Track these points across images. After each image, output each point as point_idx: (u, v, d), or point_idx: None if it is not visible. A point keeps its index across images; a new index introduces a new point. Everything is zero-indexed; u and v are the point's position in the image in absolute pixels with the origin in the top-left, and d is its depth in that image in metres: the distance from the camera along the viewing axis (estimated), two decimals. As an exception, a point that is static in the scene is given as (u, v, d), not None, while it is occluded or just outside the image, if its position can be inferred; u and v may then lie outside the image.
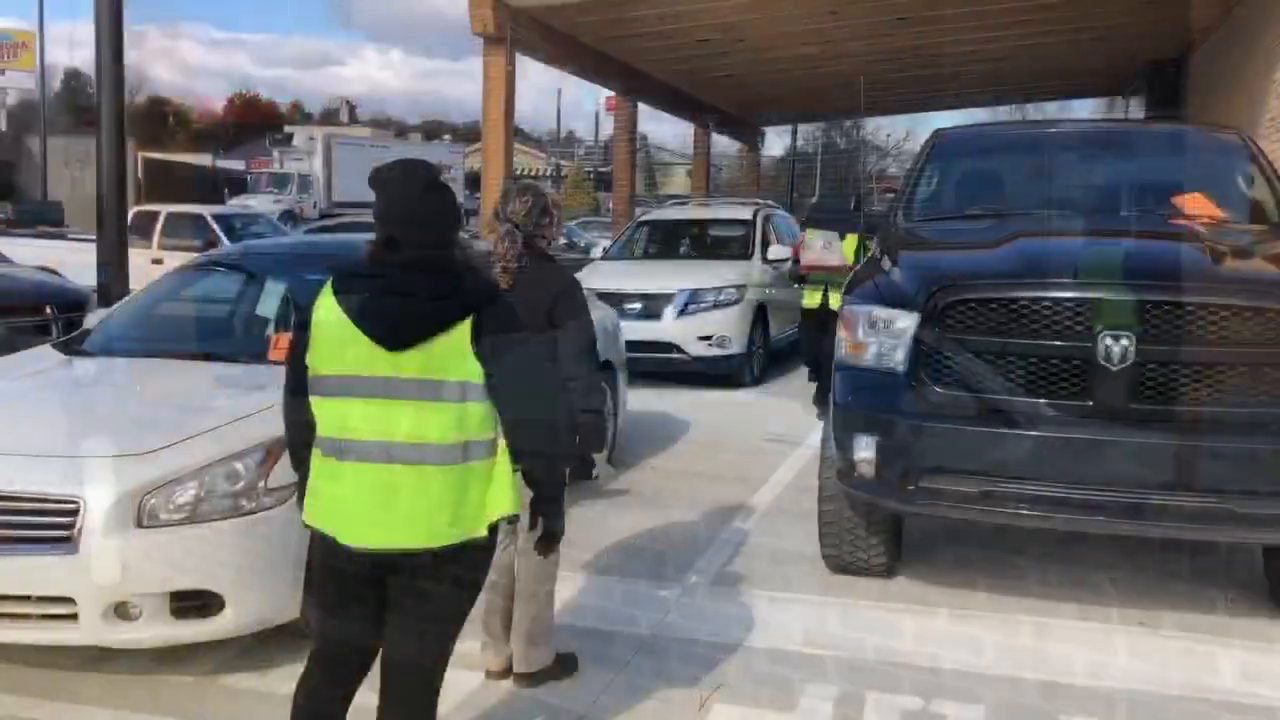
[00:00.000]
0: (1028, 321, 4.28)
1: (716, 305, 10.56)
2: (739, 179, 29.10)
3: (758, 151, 25.27)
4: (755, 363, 11.13)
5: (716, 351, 10.52)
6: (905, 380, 4.50)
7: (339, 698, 2.86)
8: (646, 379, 10.58)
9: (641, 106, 19.26)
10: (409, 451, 2.60)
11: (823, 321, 8.78)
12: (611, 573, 5.24)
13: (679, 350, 10.48)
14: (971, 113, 26.60)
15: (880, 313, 4.59)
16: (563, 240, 23.88)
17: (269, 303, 5.40)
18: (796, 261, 9.53)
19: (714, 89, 18.80)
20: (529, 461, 2.75)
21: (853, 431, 4.60)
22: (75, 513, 3.67)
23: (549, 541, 3.00)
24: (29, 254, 14.83)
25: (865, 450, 4.54)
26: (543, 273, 3.86)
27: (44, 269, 11.90)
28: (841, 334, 4.78)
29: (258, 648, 4.17)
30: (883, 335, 4.57)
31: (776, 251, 11.69)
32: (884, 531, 4.93)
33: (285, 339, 4.88)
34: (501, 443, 2.70)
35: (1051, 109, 32.00)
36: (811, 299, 9.36)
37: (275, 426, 4.03)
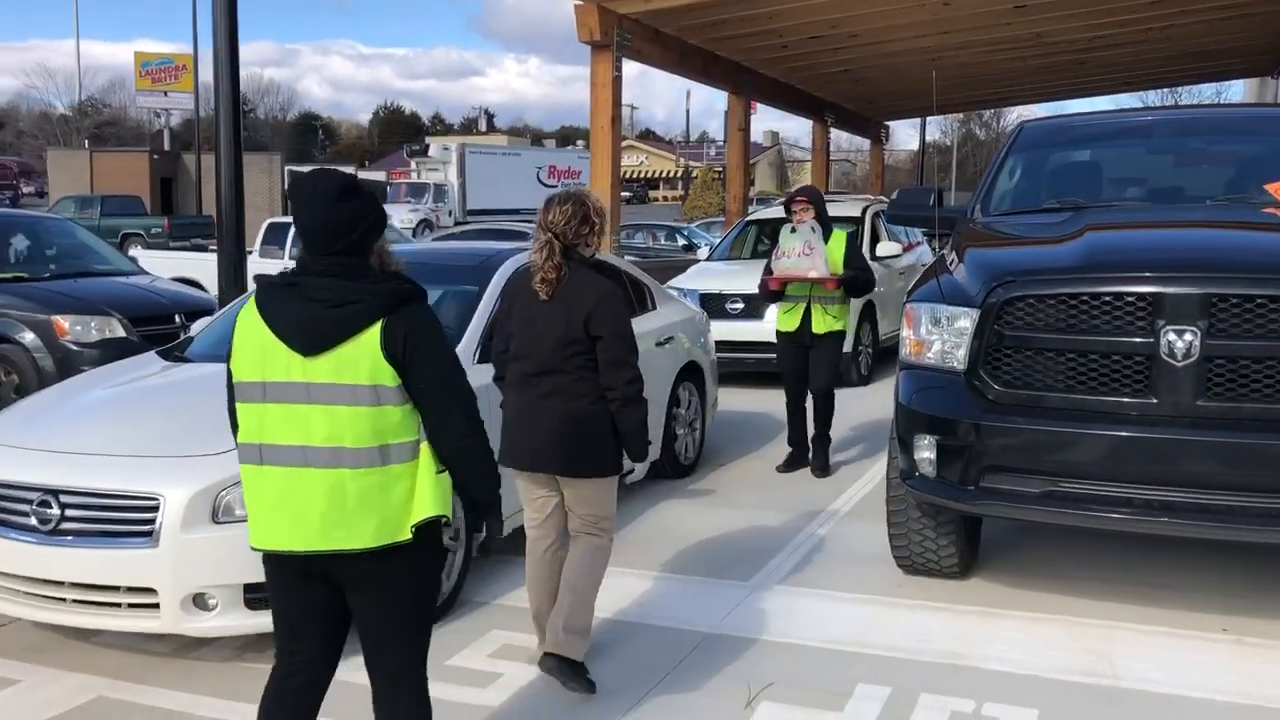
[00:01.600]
0: (1088, 317, 4.17)
1: (821, 304, 10.45)
2: (869, 175, 28.70)
3: (882, 146, 24.88)
4: (862, 362, 11.00)
5: (820, 351, 10.42)
6: (966, 379, 4.43)
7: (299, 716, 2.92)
8: (750, 380, 10.63)
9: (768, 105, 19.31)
10: (325, 456, 2.64)
11: (801, 351, 7.19)
12: (681, 570, 5.30)
13: (783, 350, 10.41)
14: (1118, 98, 25.64)
15: (941, 310, 4.54)
16: (681, 242, 24.00)
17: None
18: (769, 271, 7.13)
19: (829, 85, 18.60)
20: (451, 466, 2.76)
21: (914, 431, 4.56)
22: (156, 509, 3.95)
23: (484, 548, 3.12)
24: (179, 266, 15.82)
25: (926, 450, 4.50)
26: (582, 281, 3.86)
27: (183, 280, 12.66)
28: (904, 332, 4.73)
29: (331, 638, 4.38)
30: (943, 333, 4.52)
31: (886, 249, 11.56)
32: (954, 532, 4.86)
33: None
34: (425, 446, 2.72)
35: (1204, 93, 30.52)
36: (787, 320, 7.16)
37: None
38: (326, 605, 2.83)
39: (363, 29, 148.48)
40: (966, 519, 4.93)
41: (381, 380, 2.64)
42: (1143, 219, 5.00)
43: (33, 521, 4.05)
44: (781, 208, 15.16)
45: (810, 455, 7.26)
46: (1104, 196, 5.45)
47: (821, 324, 7.06)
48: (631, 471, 4.12)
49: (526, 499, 4.11)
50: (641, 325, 6.70)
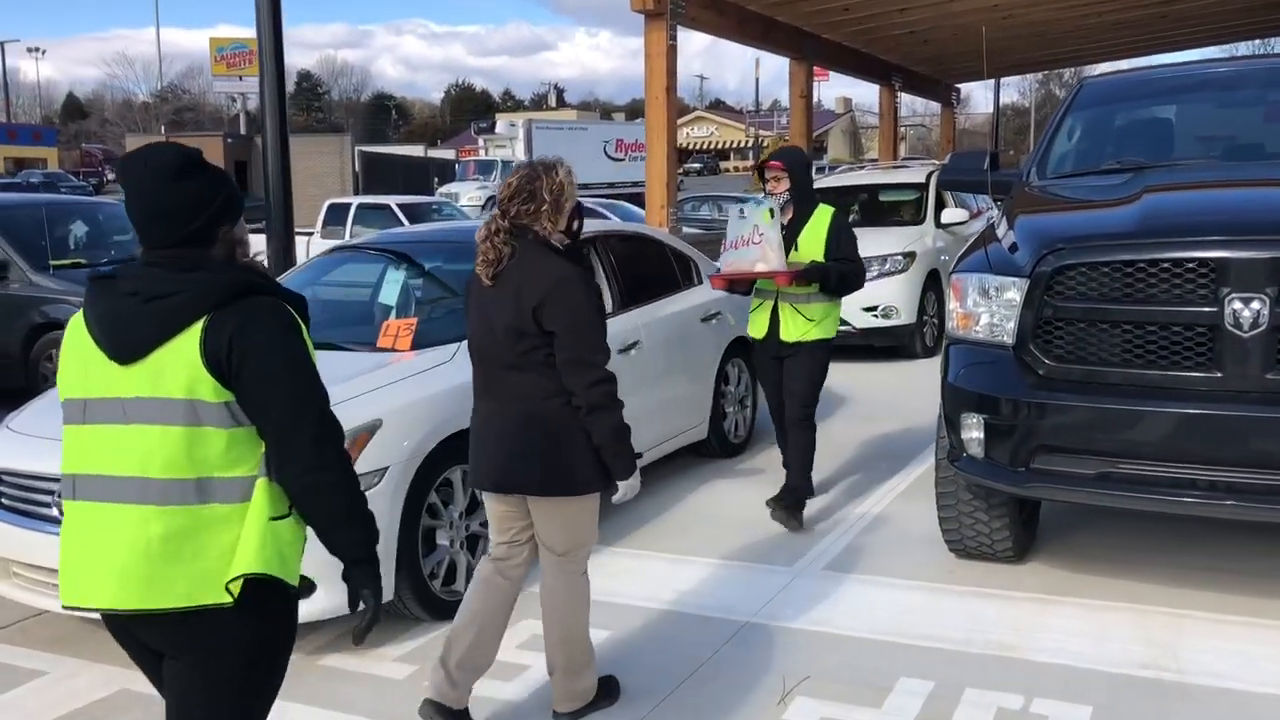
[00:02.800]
0: (1145, 286, 3.87)
1: (882, 274, 10.17)
2: (940, 140, 27.99)
3: (953, 110, 24.21)
4: (927, 333, 10.67)
5: (883, 323, 10.17)
6: (1015, 353, 4.17)
7: None
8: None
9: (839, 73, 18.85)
10: (129, 488, 2.13)
11: (777, 362, 5.59)
12: (722, 555, 5.13)
13: (843, 322, 10.10)
14: (1203, 53, 24.58)
15: (989, 281, 4.27)
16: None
17: (389, 290, 5.54)
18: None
19: (895, 48, 18.06)
20: (300, 509, 2.20)
21: (960, 409, 4.31)
22: (173, 500, 3.87)
23: (361, 630, 2.30)
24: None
25: (974, 429, 4.26)
26: (535, 265, 3.27)
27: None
28: (951, 305, 4.48)
29: (359, 629, 4.30)
30: (991, 305, 4.26)
31: (951, 215, 11.19)
32: (1007, 515, 4.61)
33: (396, 326, 5.02)
34: (263, 484, 2.17)
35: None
36: (754, 323, 5.63)
37: (361, 413, 4.21)
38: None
39: (435, 8, 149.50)
40: (1022, 500, 4.67)
41: (200, 394, 2.11)
42: (1207, 178, 4.66)
43: (56, 513, 4.02)
44: (849, 174, 14.91)
45: (779, 493, 5.58)
46: (1169, 155, 5.10)
47: (791, 329, 5.41)
48: (618, 491, 3.45)
49: (490, 517, 3.60)
50: (686, 300, 6.53)
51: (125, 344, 2.14)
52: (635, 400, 5.66)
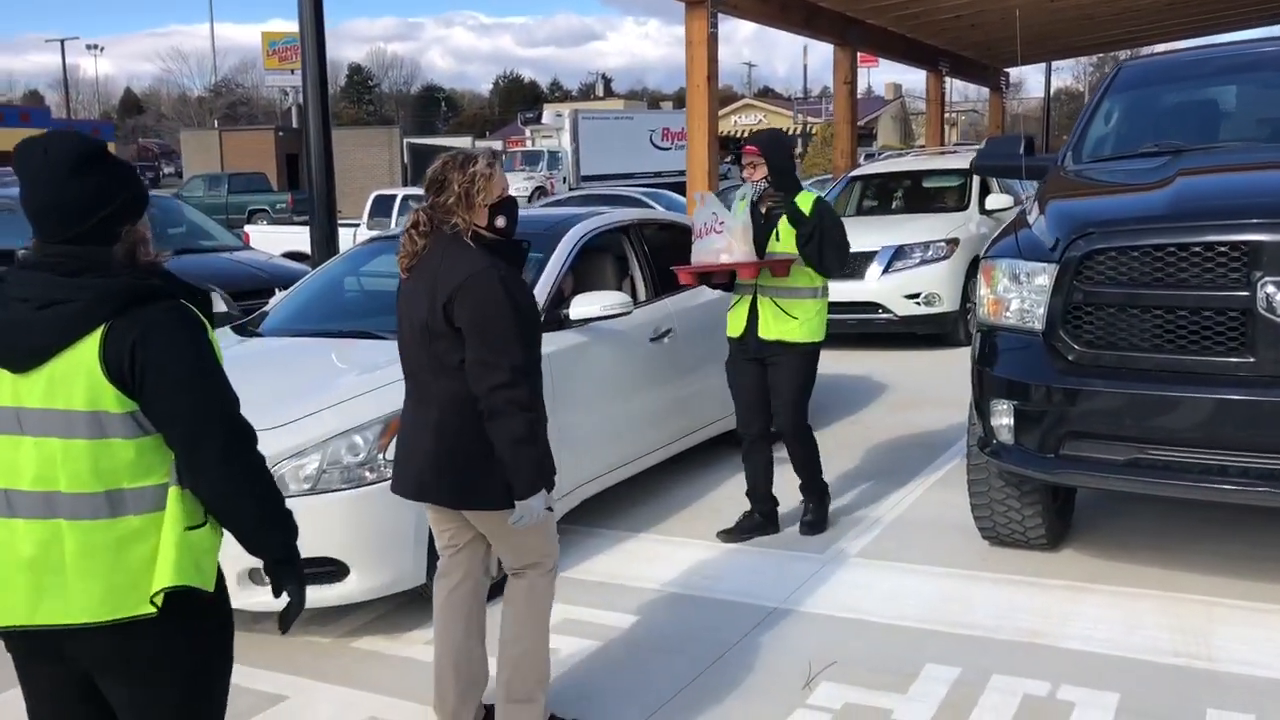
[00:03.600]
0: (1176, 270, 3.82)
1: (924, 261, 10.10)
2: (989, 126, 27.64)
3: (1003, 95, 23.88)
4: (970, 320, 10.57)
5: (925, 310, 10.09)
6: (1044, 339, 4.14)
7: None
8: (850, 342, 10.33)
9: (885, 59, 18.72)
10: (35, 503, 2.05)
11: (752, 365, 5.11)
12: (754, 543, 5.14)
13: (884, 310, 10.12)
14: (1269, 30, 23.99)
15: (1019, 266, 4.24)
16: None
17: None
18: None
19: (942, 32, 17.85)
20: (219, 518, 2.16)
21: (990, 396, 4.29)
22: (209, 484, 3.97)
23: (286, 620, 2.31)
24: (297, 241, 16.26)
25: (1003, 416, 4.23)
26: (446, 261, 3.07)
27: (294, 255, 12.98)
28: (981, 291, 4.45)
29: (393, 613, 4.39)
30: (1021, 291, 4.22)
31: (996, 201, 11.04)
32: (1039, 502, 4.58)
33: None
34: (175, 492, 2.10)
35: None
36: (732, 320, 5.13)
37: (392, 401, 4.27)
38: (84, 696, 2.20)
39: (484, 0, 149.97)
40: (1055, 487, 4.64)
41: (104, 405, 2.02)
42: (1244, 161, 4.58)
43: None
44: (893, 160, 14.77)
45: (803, 509, 5.30)
46: (1208, 138, 5.01)
47: (771, 326, 4.96)
48: (513, 513, 3.09)
49: (434, 529, 3.45)
50: (707, 291, 6.50)
51: (19, 352, 2.05)
52: (667, 390, 5.74)
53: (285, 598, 2.30)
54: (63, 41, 65.44)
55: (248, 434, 2.18)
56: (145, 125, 69.56)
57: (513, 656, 3.27)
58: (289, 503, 3.93)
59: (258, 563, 3.90)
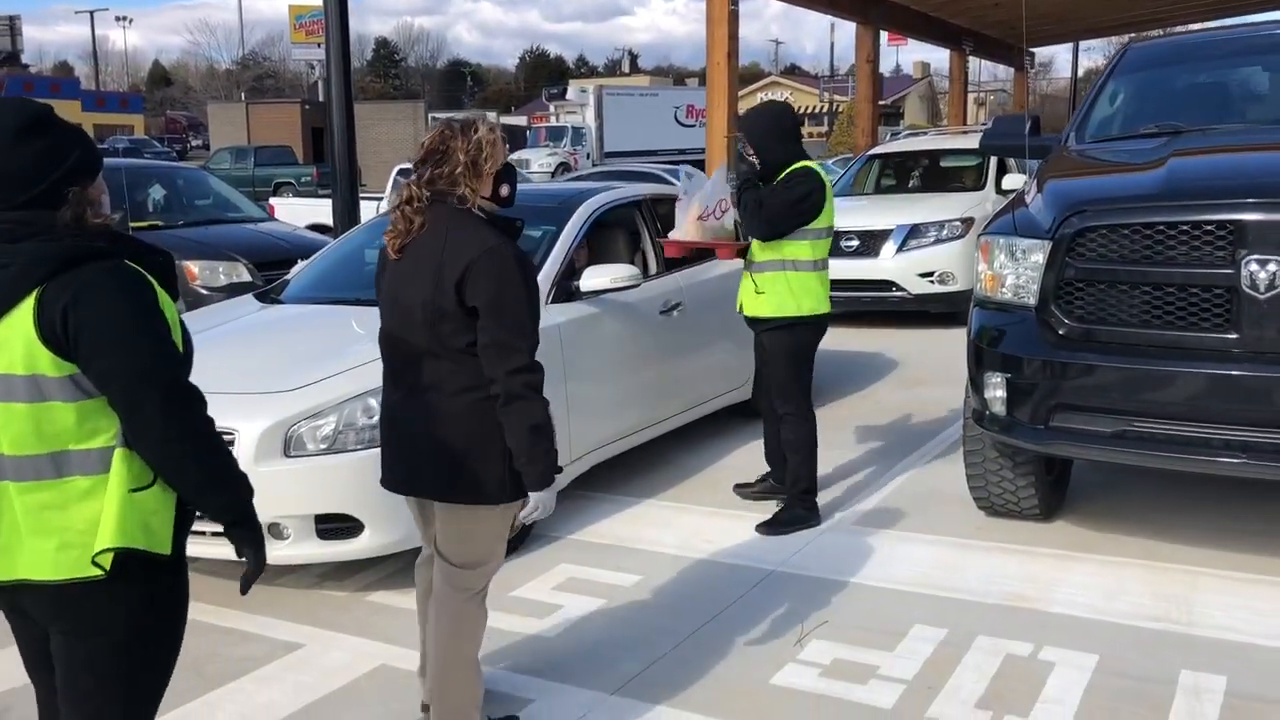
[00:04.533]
0: (1165, 248, 3.94)
1: (939, 240, 10.19)
2: (1013, 106, 27.52)
3: (1027, 75, 23.78)
4: (984, 299, 10.65)
5: (939, 288, 10.18)
6: (1037, 314, 4.26)
7: None
8: (867, 319, 10.45)
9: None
10: None
11: (755, 337, 5.20)
12: (756, 509, 5.28)
13: (898, 288, 10.23)
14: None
15: (1015, 243, 4.36)
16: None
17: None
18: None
19: (965, 11, 17.81)
20: (166, 479, 2.12)
21: (984, 369, 4.42)
22: (231, 443, 4.16)
23: (245, 580, 2.25)
24: (322, 213, 16.46)
25: (997, 389, 4.37)
26: (454, 236, 2.88)
27: (318, 227, 13.17)
28: (979, 267, 4.58)
29: (405, 570, 4.56)
30: (1017, 267, 4.35)
31: (1012, 181, 11.09)
32: (1033, 473, 4.71)
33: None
34: (121, 454, 2.08)
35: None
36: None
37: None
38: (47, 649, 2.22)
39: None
40: (1049, 459, 4.77)
41: (41, 369, 2.01)
42: (1239, 142, 4.67)
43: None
44: (912, 139, 14.80)
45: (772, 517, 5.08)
46: (1210, 120, 5.09)
47: (745, 301, 5.05)
48: (527, 504, 2.98)
49: (416, 521, 3.31)
50: (731, 263, 6.64)
51: None
52: (676, 362, 5.89)
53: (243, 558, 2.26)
54: (92, 14, 66.08)
55: (190, 394, 2.12)
56: (173, 98, 70.01)
57: (441, 680, 3.09)
58: (308, 461, 4.20)
59: (276, 516, 4.16)
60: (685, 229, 5.19)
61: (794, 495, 5.07)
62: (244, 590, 2.26)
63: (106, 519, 2.04)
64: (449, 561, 3.07)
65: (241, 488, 2.21)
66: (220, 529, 2.21)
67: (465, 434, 2.91)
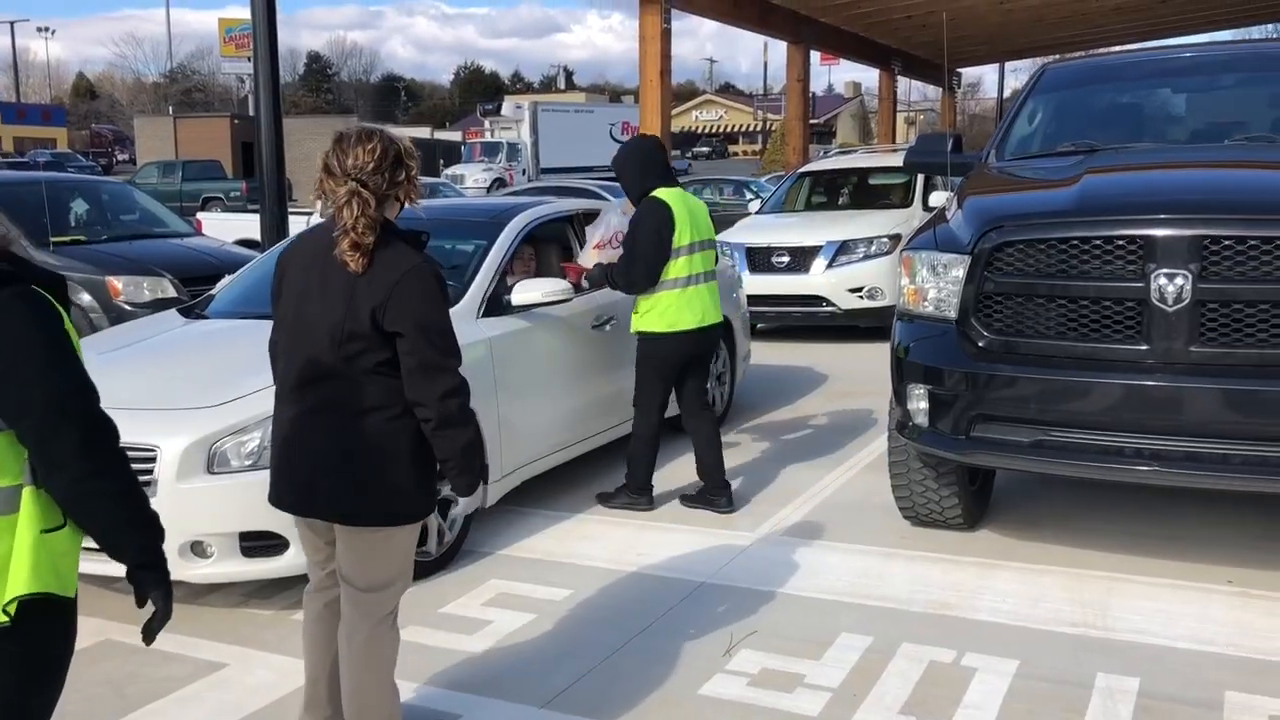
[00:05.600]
0: (1079, 262, 4.06)
1: (867, 256, 10.36)
2: (941, 125, 28.04)
3: (954, 95, 24.28)
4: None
5: (867, 303, 10.34)
6: (958, 327, 4.36)
7: None
8: (797, 335, 10.58)
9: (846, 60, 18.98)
10: None
11: (660, 362, 5.36)
12: (688, 522, 5.33)
13: (828, 303, 10.38)
14: (1210, 36, 24.51)
15: (936, 258, 4.46)
16: (749, 197, 23.80)
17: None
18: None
19: (895, 32, 18.19)
20: (77, 519, 2.01)
21: (907, 381, 4.51)
22: (153, 460, 4.10)
23: (150, 629, 2.11)
24: (250, 229, 16.24)
25: (919, 400, 4.45)
26: (381, 261, 2.76)
27: (246, 242, 12.99)
28: (901, 281, 4.67)
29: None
30: (938, 282, 4.44)
31: (939, 198, 11.31)
32: (955, 483, 4.81)
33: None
34: (30, 493, 1.96)
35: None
36: (646, 317, 5.31)
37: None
38: None
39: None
40: (971, 469, 4.87)
41: None
42: (1150, 160, 4.83)
43: (42, 472, 4.22)
44: (840, 157, 15.03)
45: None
46: (1123, 138, 5.26)
47: (661, 317, 5.32)
48: (456, 504, 3.07)
49: (305, 547, 3.14)
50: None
51: None
52: (609, 376, 5.91)
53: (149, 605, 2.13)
54: (13, 24, 64.55)
55: (108, 427, 2.02)
56: (99, 111, 68.66)
57: (356, 708, 2.98)
58: (232, 478, 4.14)
59: (199, 535, 4.09)
60: (586, 255, 5.70)
61: (627, 486, 5.51)
62: (148, 640, 2.11)
63: (20, 564, 1.91)
64: (355, 586, 2.94)
65: (154, 530, 2.10)
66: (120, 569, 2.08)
67: (371, 454, 2.80)
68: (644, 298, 5.29)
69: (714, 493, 5.47)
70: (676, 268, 5.24)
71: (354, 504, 2.84)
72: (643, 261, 5.20)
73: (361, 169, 2.77)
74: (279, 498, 2.99)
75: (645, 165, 5.33)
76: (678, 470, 6.10)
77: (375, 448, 2.81)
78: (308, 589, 3.20)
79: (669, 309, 5.26)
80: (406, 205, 2.93)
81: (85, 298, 8.47)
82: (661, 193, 5.26)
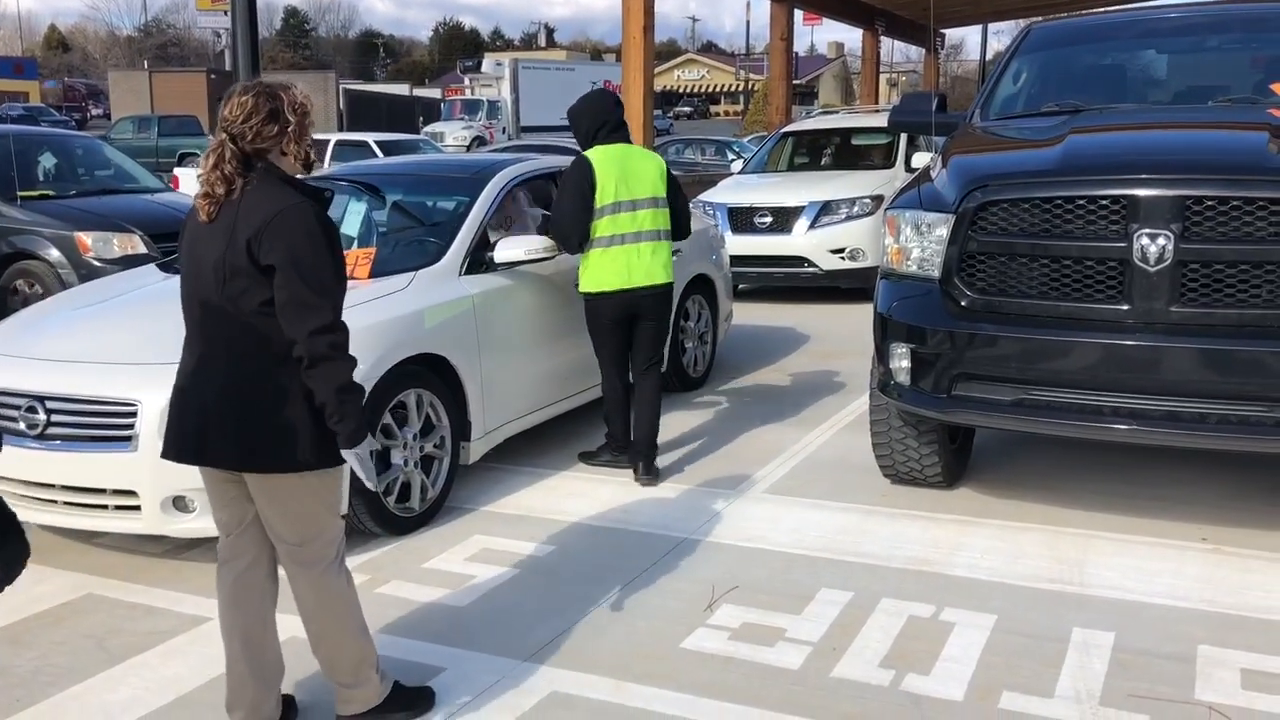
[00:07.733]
0: (1062, 222, 4.07)
1: (850, 217, 10.35)
2: (923, 86, 27.94)
3: (937, 56, 24.20)
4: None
5: (849, 264, 10.34)
6: (941, 287, 4.37)
7: None
8: (779, 295, 10.58)
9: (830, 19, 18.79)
10: None
11: (594, 323, 5.37)
12: (673, 481, 5.35)
13: (810, 264, 10.38)
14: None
15: (920, 217, 4.46)
16: (731, 157, 23.70)
17: (350, 221, 5.70)
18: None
19: (878, -10, 18.12)
20: None
21: (889, 340, 4.52)
22: (134, 414, 4.08)
23: None
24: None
25: (901, 359, 4.47)
26: (254, 196, 2.78)
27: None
28: (885, 240, 4.67)
29: (316, 541, 4.53)
30: (922, 241, 4.45)
31: (922, 159, 11.28)
32: (936, 442, 4.84)
33: (356, 255, 5.18)
34: None
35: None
36: (581, 277, 5.30)
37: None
38: None
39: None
40: (952, 428, 4.91)
41: None
42: (1130, 121, 4.84)
43: (22, 426, 4.21)
44: (823, 118, 14.97)
45: None
46: (1107, 99, 5.26)
47: (631, 272, 5.28)
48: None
49: (211, 502, 3.07)
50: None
51: None
52: (586, 338, 5.90)
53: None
54: (-17, -26, 63.16)
55: None
56: (72, 65, 67.56)
57: (323, 656, 3.06)
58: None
59: (181, 489, 4.09)
60: None
61: (607, 447, 5.58)
62: None
63: None
64: (286, 542, 2.95)
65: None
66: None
67: (260, 397, 2.79)
68: (581, 256, 5.27)
69: (633, 456, 5.37)
70: (600, 227, 5.15)
71: (245, 449, 2.81)
72: (562, 219, 5.20)
73: (231, 122, 2.81)
74: (173, 449, 2.92)
75: (593, 120, 5.31)
76: (666, 433, 6.11)
77: (263, 390, 2.79)
78: (219, 559, 3.10)
79: (591, 269, 5.22)
80: (303, 160, 2.93)
81: (54, 253, 8.37)
82: (594, 150, 5.20)
